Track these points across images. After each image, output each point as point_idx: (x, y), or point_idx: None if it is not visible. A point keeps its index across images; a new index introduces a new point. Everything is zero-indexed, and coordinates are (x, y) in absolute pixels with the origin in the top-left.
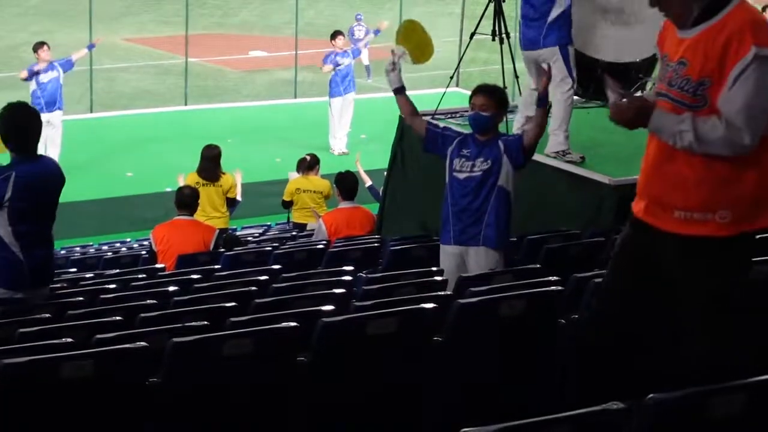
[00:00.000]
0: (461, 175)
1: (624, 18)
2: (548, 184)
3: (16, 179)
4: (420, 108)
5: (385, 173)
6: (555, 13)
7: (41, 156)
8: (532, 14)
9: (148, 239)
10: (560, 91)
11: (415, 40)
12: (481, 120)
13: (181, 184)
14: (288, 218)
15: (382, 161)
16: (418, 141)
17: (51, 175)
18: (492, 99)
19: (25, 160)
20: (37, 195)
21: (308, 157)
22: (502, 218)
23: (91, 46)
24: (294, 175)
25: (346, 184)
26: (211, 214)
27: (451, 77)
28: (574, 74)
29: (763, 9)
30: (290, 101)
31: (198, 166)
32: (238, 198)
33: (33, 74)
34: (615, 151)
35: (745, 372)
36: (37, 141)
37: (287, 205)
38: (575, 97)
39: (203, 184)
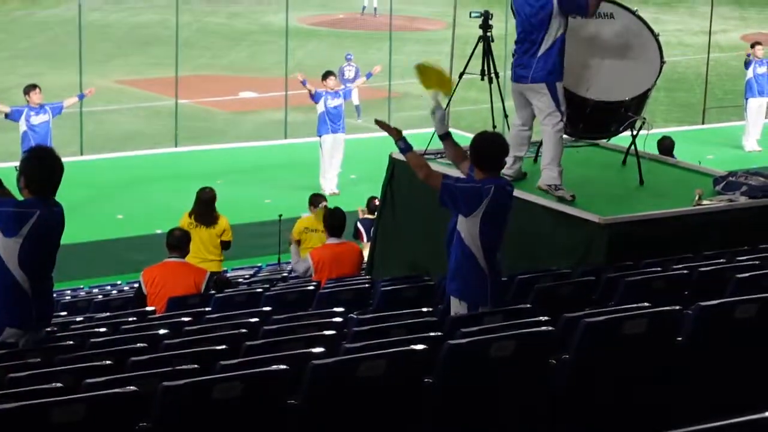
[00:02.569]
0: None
1: (613, 57)
2: (538, 223)
3: (36, 220)
4: None
5: (375, 213)
6: (545, 45)
7: (56, 201)
8: (523, 46)
9: (138, 281)
10: (549, 124)
11: (434, 79)
12: None
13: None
14: (278, 259)
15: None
16: (407, 181)
17: (62, 220)
18: None
19: (45, 203)
20: (49, 238)
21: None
22: (460, 265)
23: (81, 96)
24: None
25: (334, 220)
26: (205, 257)
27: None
28: (563, 108)
29: (752, 45)
30: (280, 142)
31: (192, 208)
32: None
33: (13, 115)
34: (605, 189)
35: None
36: (58, 185)
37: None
38: (565, 136)
39: (196, 226)
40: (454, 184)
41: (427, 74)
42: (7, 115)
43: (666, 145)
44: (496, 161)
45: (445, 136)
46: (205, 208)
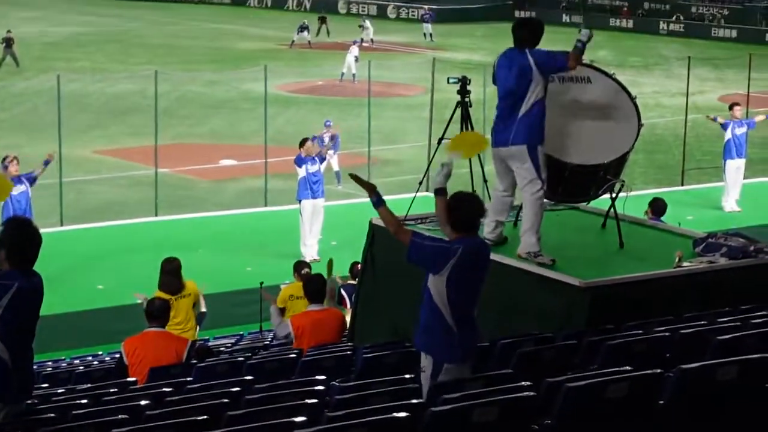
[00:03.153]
0: None
1: (591, 120)
2: (519, 287)
3: (16, 291)
4: None
5: (357, 279)
6: (525, 108)
7: (35, 272)
8: (503, 112)
9: (120, 352)
10: (530, 191)
11: (467, 141)
12: None
13: (139, 299)
14: (260, 327)
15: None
16: (387, 247)
17: (41, 291)
18: None
19: (24, 274)
20: (29, 309)
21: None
22: (428, 322)
23: (46, 162)
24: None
25: (313, 286)
26: (182, 326)
27: (420, 182)
28: (544, 176)
29: (731, 107)
30: (261, 209)
31: (159, 281)
32: (203, 309)
33: None
34: (585, 252)
35: None
36: (36, 257)
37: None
38: (544, 200)
39: (175, 299)
40: (422, 242)
41: (466, 137)
42: None
43: (659, 205)
44: (470, 222)
45: (441, 192)
46: (169, 278)
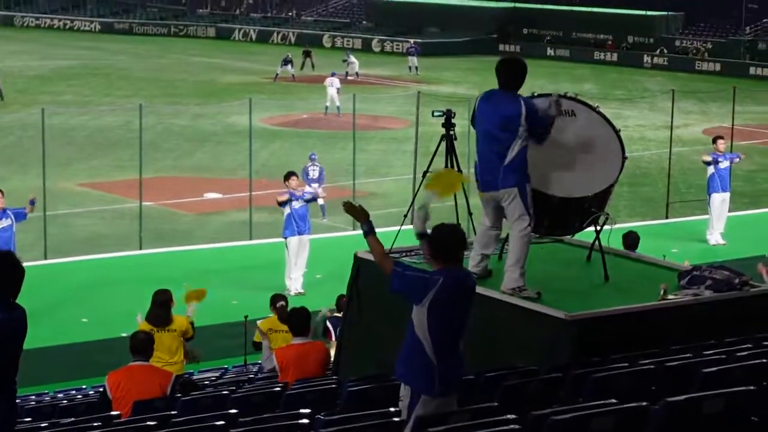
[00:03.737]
0: None
1: (576, 154)
2: (505, 320)
3: None
4: None
5: (342, 313)
6: (513, 152)
7: (17, 305)
8: (489, 155)
9: (104, 386)
10: (518, 228)
11: (443, 181)
12: None
13: (140, 322)
14: (244, 361)
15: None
16: (372, 280)
17: (25, 324)
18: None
19: (7, 308)
20: (12, 343)
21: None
22: (409, 352)
23: (32, 202)
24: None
25: (296, 319)
26: (166, 359)
27: (405, 215)
28: (532, 211)
29: (714, 140)
30: (245, 243)
31: (148, 312)
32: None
33: None
34: (570, 285)
35: None
36: (19, 290)
37: (258, 346)
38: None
39: (157, 331)
40: (403, 272)
41: (442, 176)
42: None
43: (631, 239)
44: (453, 253)
45: (423, 236)
46: (160, 310)
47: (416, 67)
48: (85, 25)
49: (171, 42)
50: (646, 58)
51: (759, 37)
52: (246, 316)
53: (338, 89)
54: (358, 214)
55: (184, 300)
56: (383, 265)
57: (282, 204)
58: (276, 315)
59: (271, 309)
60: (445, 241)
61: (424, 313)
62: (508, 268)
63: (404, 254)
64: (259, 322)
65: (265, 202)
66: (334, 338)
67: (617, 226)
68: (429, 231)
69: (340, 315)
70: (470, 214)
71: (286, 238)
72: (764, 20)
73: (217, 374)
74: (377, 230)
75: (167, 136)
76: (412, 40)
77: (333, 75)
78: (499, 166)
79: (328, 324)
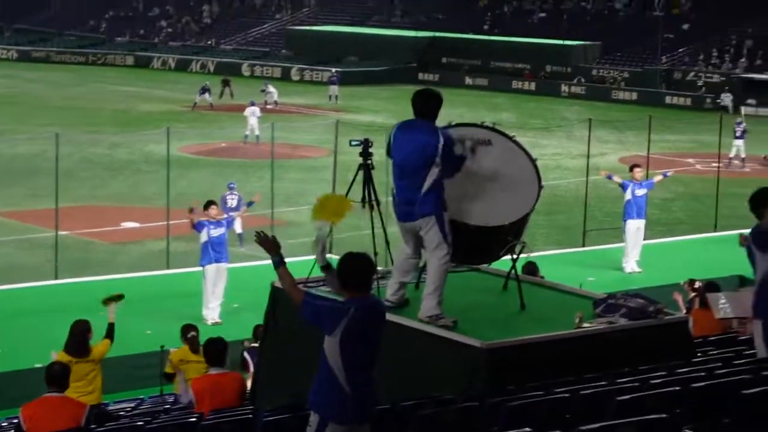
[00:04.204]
0: None
1: (492, 182)
2: (420, 348)
3: None
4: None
5: (258, 343)
6: (429, 181)
7: None
8: (406, 185)
9: (18, 418)
10: (436, 256)
11: (329, 209)
12: None
13: (54, 358)
14: (160, 391)
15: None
16: (289, 309)
17: None
18: None
19: None
20: None
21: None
22: (321, 381)
23: None
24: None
25: (214, 349)
26: (84, 390)
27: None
28: (450, 240)
29: (631, 168)
30: (162, 272)
31: (66, 342)
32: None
33: None
34: (487, 314)
35: None
36: None
37: (170, 377)
38: None
39: (75, 362)
40: (313, 301)
41: (326, 204)
42: None
43: (529, 269)
44: (363, 281)
45: (326, 268)
46: (78, 341)
47: (336, 96)
48: (2, 53)
49: (89, 70)
50: (564, 87)
51: (675, 66)
52: (162, 346)
53: (258, 118)
54: (270, 245)
55: (103, 304)
56: (294, 296)
57: (196, 227)
58: (187, 345)
59: (182, 340)
60: (353, 270)
61: (336, 343)
62: (425, 296)
63: (321, 283)
64: (171, 352)
65: (182, 232)
66: (251, 368)
67: (533, 254)
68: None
69: (257, 345)
70: (387, 243)
71: (203, 266)
72: (680, 50)
73: (132, 405)
74: (295, 259)
75: (84, 164)
76: (333, 69)
77: (252, 104)
78: (416, 195)
79: (246, 354)
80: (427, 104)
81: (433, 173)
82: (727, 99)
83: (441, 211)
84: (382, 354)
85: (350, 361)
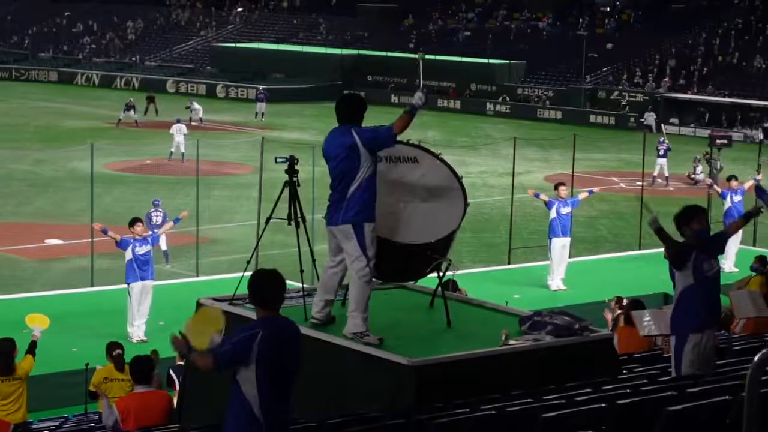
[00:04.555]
0: None
1: (418, 200)
2: (347, 366)
3: None
4: (218, 293)
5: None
6: (354, 186)
7: None
8: (335, 189)
9: None
10: (355, 269)
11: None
12: None
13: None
14: (85, 409)
15: None
16: None
17: None
18: None
19: None
20: None
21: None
22: (236, 413)
23: None
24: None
25: (140, 367)
26: (8, 408)
27: (248, 261)
28: (370, 253)
29: (556, 187)
30: (87, 289)
31: None
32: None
33: None
34: (413, 331)
35: None
36: None
37: (94, 395)
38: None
39: (1, 381)
40: (222, 352)
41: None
42: None
43: (450, 287)
44: (274, 298)
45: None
46: (2, 360)
47: (263, 113)
48: None
49: (12, 86)
50: (489, 106)
51: (599, 85)
52: (87, 364)
53: (185, 135)
54: (184, 347)
55: (27, 323)
56: (207, 364)
57: (120, 244)
58: (113, 363)
59: (108, 358)
60: (264, 286)
61: (252, 371)
62: (349, 314)
63: (246, 301)
64: (96, 369)
65: (107, 249)
66: (177, 387)
67: (459, 272)
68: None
69: (182, 363)
70: (314, 260)
71: (128, 284)
72: (604, 69)
73: (56, 423)
74: (221, 276)
75: (7, 181)
76: (261, 86)
77: (178, 121)
78: (342, 201)
79: (171, 372)
80: (346, 108)
81: (360, 178)
82: (650, 118)
83: (363, 222)
84: (308, 372)
85: (267, 387)
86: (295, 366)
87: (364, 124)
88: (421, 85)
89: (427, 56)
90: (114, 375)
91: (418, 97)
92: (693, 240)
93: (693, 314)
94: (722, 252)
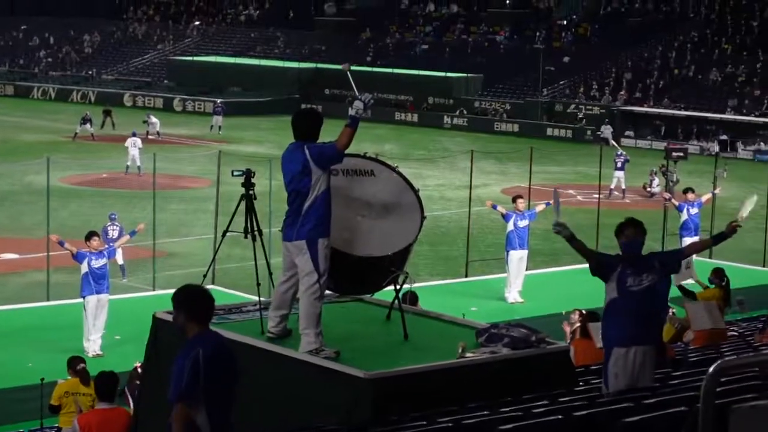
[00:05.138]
0: None
1: (375, 213)
2: (303, 379)
3: None
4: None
5: (140, 375)
6: (308, 202)
7: None
8: (291, 205)
9: None
10: (305, 285)
11: None
12: None
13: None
14: (41, 424)
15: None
16: (171, 342)
17: None
18: (172, 300)
19: None
20: None
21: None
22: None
23: None
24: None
25: (105, 384)
26: None
27: (205, 275)
28: (322, 269)
29: (514, 200)
30: (43, 304)
31: None
32: None
33: None
34: (370, 344)
35: None
36: None
37: (55, 409)
38: (329, 292)
39: None
40: (178, 388)
41: None
42: None
43: (409, 299)
44: (207, 312)
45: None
46: None
47: (220, 126)
48: None
49: None
50: (446, 119)
51: (556, 98)
52: (42, 379)
53: (140, 149)
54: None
55: None
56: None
57: (76, 258)
58: (78, 378)
59: (69, 372)
60: (198, 299)
61: (200, 396)
62: (302, 331)
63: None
64: (58, 383)
65: (63, 263)
66: (131, 403)
67: (417, 284)
68: None
69: (138, 381)
70: (270, 274)
71: (84, 297)
72: (560, 82)
73: None
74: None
75: None
76: (218, 100)
77: (134, 134)
78: (297, 217)
79: (126, 389)
80: (301, 123)
81: (313, 194)
82: (606, 131)
83: (317, 237)
84: (265, 385)
85: (215, 409)
86: (235, 379)
87: (322, 139)
88: (357, 94)
89: (384, 69)
90: (77, 389)
91: (355, 108)
92: (620, 254)
93: (617, 328)
94: (676, 271)
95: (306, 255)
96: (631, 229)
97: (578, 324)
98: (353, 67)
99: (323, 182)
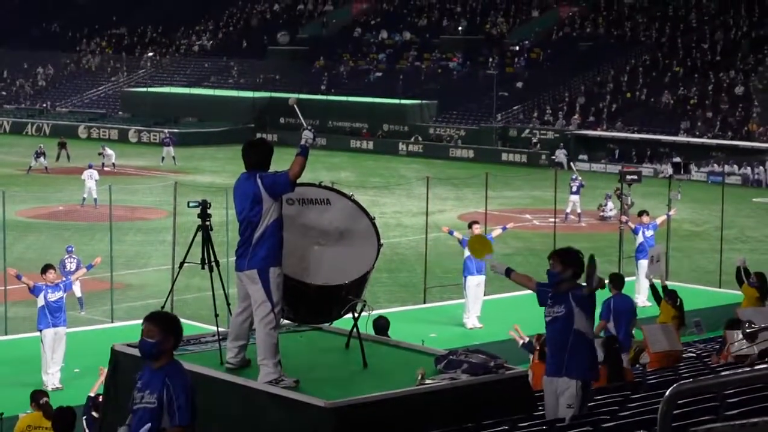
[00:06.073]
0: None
1: (332, 242)
2: (263, 409)
3: None
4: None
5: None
6: (259, 232)
7: None
8: (242, 235)
9: None
10: (259, 316)
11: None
12: (145, 346)
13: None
14: None
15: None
16: (130, 375)
17: None
18: (155, 325)
19: None
20: None
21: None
22: None
23: None
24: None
25: (64, 419)
26: None
27: (163, 306)
28: (275, 298)
29: (470, 225)
30: (0, 338)
31: None
32: None
33: None
34: (329, 373)
35: None
36: None
37: None
38: (287, 321)
39: None
40: (183, 412)
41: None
42: None
43: (380, 324)
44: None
45: None
46: None
47: (174, 157)
48: None
49: None
50: (401, 146)
51: (510, 123)
52: (1, 414)
53: (96, 181)
54: None
55: None
56: None
57: (33, 291)
58: (41, 411)
59: (32, 406)
60: (181, 327)
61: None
62: (260, 362)
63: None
64: (20, 417)
65: (20, 297)
66: None
67: (375, 312)
68: None
69: (94, 413)
70: (228, 304)
71: (40, 330)
72: (514, 107)
73: None
74: (137, 322)
75: None
76: (167, 131)
77: (90, 167)
78: (248, 247)
79: (84, 424)
80: (251, 154)
81: (264, 223)
82: (561, 155)
83: (269, 267)
84: (226, 416)
85: None
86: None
87: (274, 167)
88: (305, 125)
89: (338, 97)
90: (39, 423)
91: (305, 137)
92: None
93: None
94: (590, 311)
95: (258, 284)
96: (552, 260)
97: (537, 348)
98: (302, 96)
99: (274, 211)
